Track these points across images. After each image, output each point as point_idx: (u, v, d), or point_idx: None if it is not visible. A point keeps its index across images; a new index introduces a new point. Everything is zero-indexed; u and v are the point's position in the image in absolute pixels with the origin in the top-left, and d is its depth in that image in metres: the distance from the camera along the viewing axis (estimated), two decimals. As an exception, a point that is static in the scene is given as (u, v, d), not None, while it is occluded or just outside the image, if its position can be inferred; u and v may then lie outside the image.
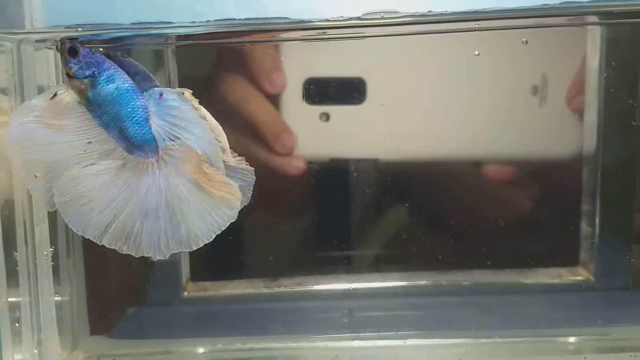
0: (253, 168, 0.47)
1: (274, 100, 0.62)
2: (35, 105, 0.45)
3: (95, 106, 0.45)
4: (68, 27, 0.45)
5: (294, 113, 0.62)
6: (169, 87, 0.46)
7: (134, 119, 0.45)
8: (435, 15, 0.43)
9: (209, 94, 0.61)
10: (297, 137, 0.62)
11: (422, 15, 0.43)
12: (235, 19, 0.44)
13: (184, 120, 0.45)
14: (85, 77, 0.45)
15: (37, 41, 0.49)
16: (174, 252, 0.47)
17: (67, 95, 0.46)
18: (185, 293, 0.65)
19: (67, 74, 0.45)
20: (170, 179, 0.45)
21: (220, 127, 0.45)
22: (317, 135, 0.63)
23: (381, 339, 0.60)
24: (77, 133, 0.46)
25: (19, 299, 0.53)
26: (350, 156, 0.63)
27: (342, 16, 0.44)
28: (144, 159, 0.45)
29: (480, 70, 0.61)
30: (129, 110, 0.45)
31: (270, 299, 0.66)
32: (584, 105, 0.62)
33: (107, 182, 0.46)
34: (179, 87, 0.46)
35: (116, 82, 0.45)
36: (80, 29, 0.45)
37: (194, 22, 0.45)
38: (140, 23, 0.45)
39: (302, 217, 0.65)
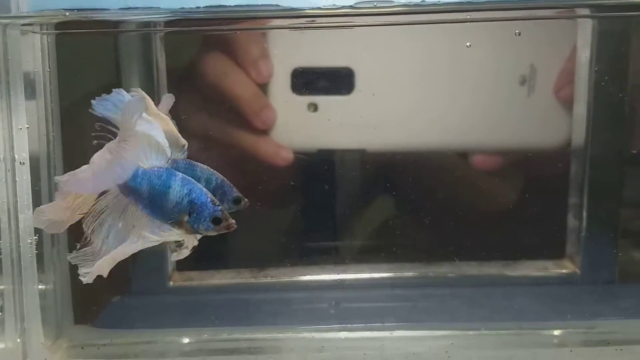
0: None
1: (261, 89, 0.61)
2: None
3: None
4: (55, 11, 0.44)
5: (282, 103, 0.62)
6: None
7: None
8: (429, 5, 0.42)
9: (193, 80, 0.60)
10: (284, 126, 0.62)
11: (416, 5, 0.43)
12: (225, 6, 0.44)
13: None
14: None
15: (24, 25, 0.48)
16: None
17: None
18: (171, 282, 0.65)
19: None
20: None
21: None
22: (305, 126, 0.62)
23: (368, 330, 0.60)
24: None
25: (2, 287, 0.52)
26: (338, 147, 0.63)
27: (334, 4, 0.43)
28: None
29: (468, 61, 0.61)
30: None
31: (256, 289, 0.65)
32: (571, 96, 0.62)
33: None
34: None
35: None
36: (67, 14, 0.44)
37: (182, 8, 0.44)
38: (129, 8, 0.45)
39: (290, 207, 0.65)
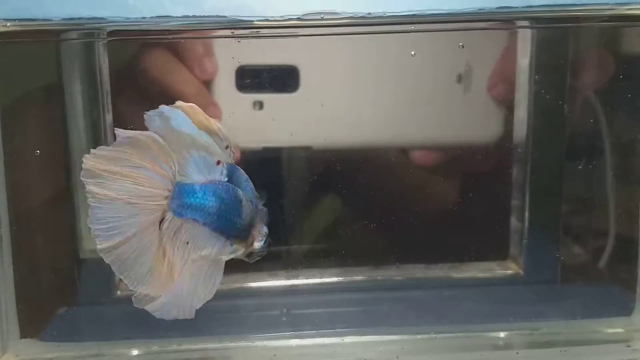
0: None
1: (205, 87, 0.60)
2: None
3: None
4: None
5: (227, 101, 0.61)
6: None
7: None
8: (374, 18, 0.43)
9: (137, 80, 0.60)
10: (229, 124, 0.61)
11: (362, 17, 0.43)
12: (171, 17, 0.43)
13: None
14: None
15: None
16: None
17: None
18: (119, 292, 0.63)
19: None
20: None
21: None
22: (251, 124, 0.62)
23: (319, 336, 0.60)
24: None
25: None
26: (284, 144, 0.62)
27: (282, 16, 0.43)
28: None
29: (410, 59, 0.61)
30: None
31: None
32: (504, 94, 0.63)
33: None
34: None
35: None
36: (8, 24, 0.43)
37: (128, 18, 0.44)
38: (72, 19, 0.44)
39: None
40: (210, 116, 0.59)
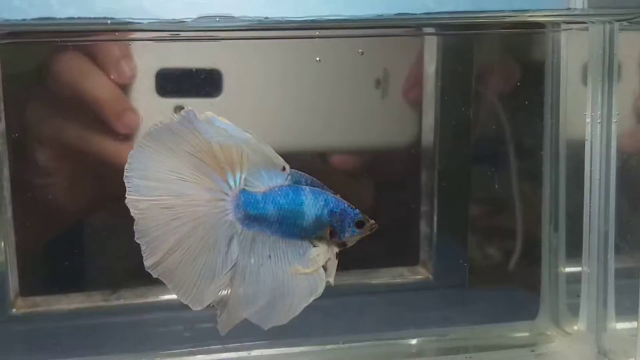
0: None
1: (123, 91, 0.58)
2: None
3: None
4: None
5: (146, 106, 0.58)
6: None
7: None
8: (273, 22, 0.42)
9: (44, 85, 0.56)
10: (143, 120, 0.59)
11: (259, 22, 0.42)
12: (54, 18, 0.41)
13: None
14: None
15: None
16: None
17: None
18: (14, 310, 0.60)
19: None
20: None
21: None
22: None
23: (225, 351, 0.58)
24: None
25: None
26: None
27: (174, 18, 0.41)
28: None
29: (330, 64, 0.61)
30: None
31: (108, 313, 0.62)
32: (420, 98, 0.64)
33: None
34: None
35: None
36: None
37: (7, 20, 0.41)
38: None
39: None
40: (128, 122, 0.58)
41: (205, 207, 0.42)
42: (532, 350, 0.58)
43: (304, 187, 0.42)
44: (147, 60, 0.58)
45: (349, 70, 0.62)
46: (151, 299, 0.62)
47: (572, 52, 0.58)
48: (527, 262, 0.64)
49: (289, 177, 0.43)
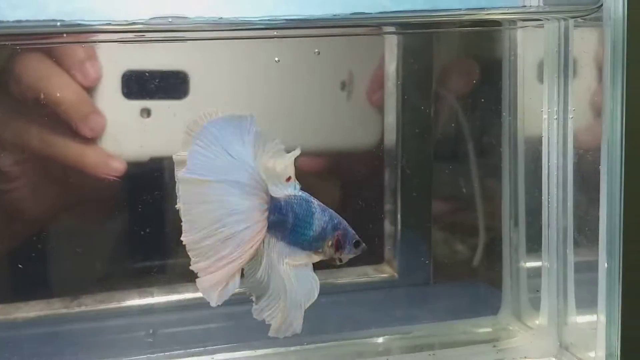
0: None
1: (88, 94, 0.57)
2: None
3: None
4: None
5: (112, 109, 0.57)
6: None
7: None
8: (227, 23, 0.41)
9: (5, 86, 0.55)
10: (115, 133, 0.58)
11: (214, 22, 0.41)
12: (4, 21, 0.40)
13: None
14: None
15: None
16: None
17: None
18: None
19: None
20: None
21: None
22: (138, 133, 0.59)
23: (188, 356, 0.57)
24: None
25: None
26: (172, 154, 0.60)
27: (126, 20, 0.41)
28: None
29: (297, 66, 0.61)
30: None
31: (69, 320, 0.61)
32: (382, 100, 0.64)
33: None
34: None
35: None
36: None
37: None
38: None
39: (113, 225, 0.61)
40: (93, 126, 0.57)
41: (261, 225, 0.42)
42: (494, 346, 0.59)
43: (312, 199, 0.43)
44: (113, 61, 0.57)
45: (314, 72, 0.62)
46: (113, 305, 0.62)
47: (529, 49, 0.58)
48: (490, 257, 0.65)
49: (298, 187, 0.43)
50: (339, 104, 0.63)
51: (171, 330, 0.61)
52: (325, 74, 0.62)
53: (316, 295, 0.44)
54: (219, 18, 0.41)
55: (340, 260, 0.45)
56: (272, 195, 0.41)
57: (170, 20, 0.41)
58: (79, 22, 0.40)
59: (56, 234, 0.60)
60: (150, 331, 0.59)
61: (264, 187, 0.40)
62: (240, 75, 0.60)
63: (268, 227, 0.41)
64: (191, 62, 0.59)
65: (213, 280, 0.40)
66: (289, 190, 0.43)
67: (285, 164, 0.43)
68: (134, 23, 0.41)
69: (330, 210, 0.43)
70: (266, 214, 0.40)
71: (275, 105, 0.61)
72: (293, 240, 0.43)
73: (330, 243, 0.43)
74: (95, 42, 0.54)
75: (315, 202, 0.43)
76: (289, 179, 0.43)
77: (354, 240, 0.44)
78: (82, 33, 0.46)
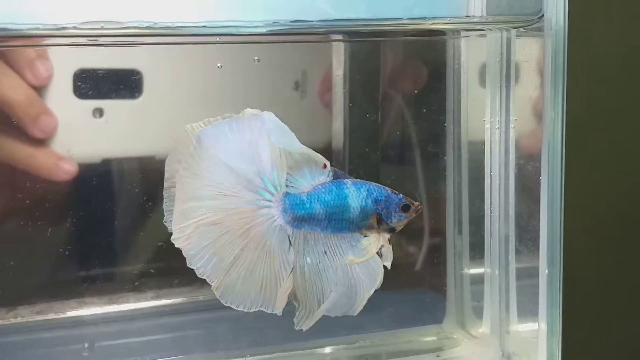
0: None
1: (38, 93, 0.55)
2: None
3: None
4: None
5: (63, 108, 0.56)
6: None
7: None
8: (162, 28, 0.41)
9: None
10: (66, 134, 0.56)
11: (148, 27, 0.40)
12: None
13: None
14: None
15: None
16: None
17: None
18: None
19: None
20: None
21: None
22: (90, 134, 0.57)
23: (127, 369, 0.56)
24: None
25: None
26: (126, 155, 0.59)
27: (55, 24, 0.39)
28: None
29: (253, 67, 0.60)
30: None
31: (5, 332, 0.59)
32: (332, 101, 0.64)
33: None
34: None
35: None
36: None
37: None
38: None
39: (58, 231, 0.59)
40: (44, 126, 0.55)
41: (251, 217, 0.43)
42: (438, 356, 0.59)
43: (345, 180, 0.44)
44: (64, 60, 0.55)
45: (266, 73, 0.61)
46: (51, 316, 0.60)
47: (472, 57, 0.59)
48: (435, 265, 0.65)
49: (330, 174, 0.44)
50: (294, 105, 0.63)
51: (109, 342, 0.59)
52: (278, 74, 0.62)
53: (380, 280, 0.46)
54: (154, 23, 0.40)
55: (394, 229, 0.45)
56: (292, 190, 0.42)
57: (102, 25, 0.39)
58: (5, 26, 0.39)
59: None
60: (86, 345, 0.58)
61: (263, 187, 0.41)
62: (195, 75, 0.60)
63: (296, 226, 0.42)
64: (145, 62, 0.58)
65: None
66: (322, 178, 0.43)
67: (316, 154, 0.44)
68: (63, 28, 0.39)
69: (369, 184, 0.44)
70: (264, 212, 0.41)
71: (229, 104, 0.60)
72: (337, 227, 0.43)
73: (375, 218, 0.44)
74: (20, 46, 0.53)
75: (349, 182, 0.43)
76: (325, 166, 0.44)
77: (400, 205, 0.44)
78: (8, 38, 0.44)
